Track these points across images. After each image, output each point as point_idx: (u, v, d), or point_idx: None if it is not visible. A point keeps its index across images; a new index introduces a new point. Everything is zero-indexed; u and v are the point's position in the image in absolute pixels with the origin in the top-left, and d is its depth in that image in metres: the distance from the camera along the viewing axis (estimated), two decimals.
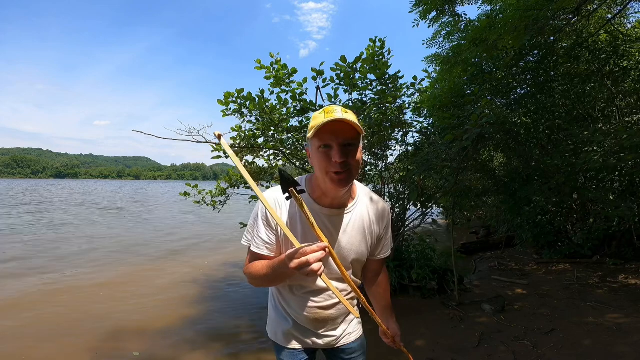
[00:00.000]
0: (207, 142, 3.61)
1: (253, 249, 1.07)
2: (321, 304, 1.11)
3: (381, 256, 1.19)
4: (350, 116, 0.92)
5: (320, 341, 1.16)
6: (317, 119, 0.93)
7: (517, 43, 3.58)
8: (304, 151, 3.99)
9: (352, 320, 1.22)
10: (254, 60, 3.56)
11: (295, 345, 1.17)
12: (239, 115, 3.75)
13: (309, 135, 0.95)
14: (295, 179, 0.99)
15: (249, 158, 4.23)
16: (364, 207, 1.11)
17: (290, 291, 1.13)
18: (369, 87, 3.81)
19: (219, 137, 0.88)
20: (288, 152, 3.97)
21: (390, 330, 1.19)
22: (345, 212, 1.07)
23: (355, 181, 1.11)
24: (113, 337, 3.09)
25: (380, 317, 1.21)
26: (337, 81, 3.67)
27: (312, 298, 1.11)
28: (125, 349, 2.86)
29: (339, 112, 0.90)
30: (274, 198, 1.06)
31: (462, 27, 4.65)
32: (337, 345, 1.19)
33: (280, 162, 4.48)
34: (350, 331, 1.21)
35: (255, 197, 4.24)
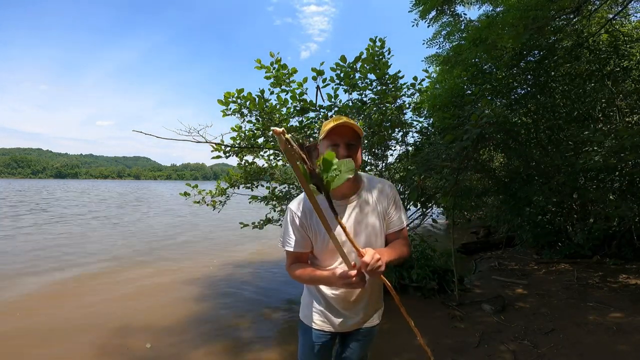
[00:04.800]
0: (207, 142, 3.62)
1: (287, 248, 1.27)
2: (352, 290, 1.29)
3: (395, 228, 1.33)
4: (353, 122, 1.18)
5: (346, 323, 1.36)
6: (328, 124, 1.18)
7: (516, 42, 3.58)
8: None
9: (375, 308, 1.41)
10: (255, 62, 3.56)
11: (323, 327, 1.37)
12: (239, 115, 3.75)
13: (320, 137, 1.21)
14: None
15: (249, 158, 4.23)
16: (369, 191, 1.30)
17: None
18: (369, 87, 3.81)
19: (283, 133, 0.78)
20: None
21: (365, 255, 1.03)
22: (355, 199, 1.27)
23: (361, 173, 1.34)
24: (123, 332, 3.14)
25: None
26: (337, 81, 3.67)
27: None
28: (136, 342, 2.93)
29: (342, 119, 1.17)
30: (302, 204, 1.26)
31: (462, 27, 4.65)
32: (358, 328, 1.39)
33: (280, 162, 4.48)
34: (371, 317, 1.41)
35: (255, 197, 4.25)
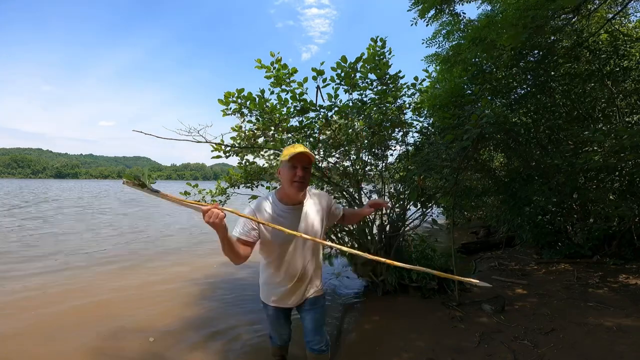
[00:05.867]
0: (207, 142, 3.61)
1: (238, 235, 1.63)
2: (297, 272, 1.78)
3: (339, 213, 1.98)
4: (309, 151, 1.60)
5: (294, 302, 1.86)
6: (290, 150, 1.60)
7: (514, 42, 3.57)
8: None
9: (315, 284, 1.90)
10: (255, 62, 3.55)
11: (279, 304, 1.87)
12: (239, 115, 3.75)
13: (284, 158, 1.61)
14: (267, 195, 1.79)
15: (250, 158, 4.23)
16: (311, 198, 1.82)
17: (277, 270, 1.77)
18: (370, 87, 3.80)
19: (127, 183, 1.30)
20: None
21: (370, 207, 2.00)
22: (302, 206, 1.75)
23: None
24: (123, 331, 3.12)
25: (362, 212, 2.05)
26: (338, 81, 3.66)
27: (290, 271, 1.77)
28: (136, 341, 2.94)
29: (301, 148, 1.59)
30: (254, 208, 1.70)
31: (462, 26, 4.65)
32: (304, 298, 1.88)
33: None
34: (313, 289, 1.89)
35: (255, 197, 4.24)
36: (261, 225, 1.63)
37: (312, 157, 1.63)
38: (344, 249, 1.56)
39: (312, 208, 1.78)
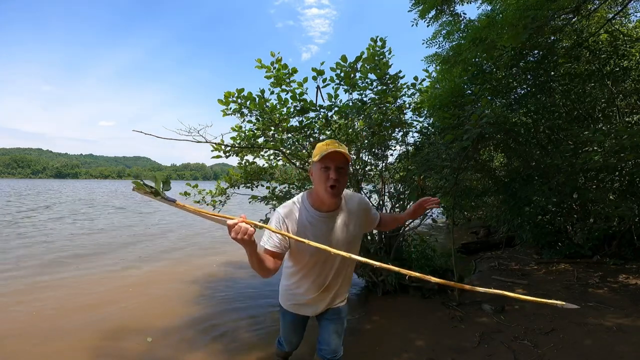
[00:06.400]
0: (207, 142, 3.62)
1: (267, 247, 1.43)
2: (325, 283, 1.61)
3: (376, 219, 1.72)
4: (344, 148, 1.36)
5: (316, 311, 1.72)
6: (322, 148, 1.36)
7: (515, 42, 3.58)
8: (304, 151, 4.00)
9: (342, 295, 1.74)
10: (255, 61, 3.55)
11: (299, 312, 1.74)
12: (239, 115, 3.75)
13: (314, 158, 1.38)
14: (297, 195, 1.57)
15: (249, 158, 4.23)
16: (348, 204, 1.58)
17: (304, 278, 1.60)
18: (370, 87, 3.81)
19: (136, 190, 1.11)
20: (288, 152, 3.97)
21: (418, 208, 1.67)
22: (338, 212, 1.53)
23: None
24: (123, 331, 3.12)
25: (403, 217, 1.84)
26: (338, 81, 3.66)
27: (318, 282, 1.59)
28: (136, 340, 2.93)
29: (334, 146, 1.34)
30: (282, 215, 1.48)
31: (462, 26, 4.65)
32: (327, 308, 1.73)
33: (280, 162, 4.48)
34: (339, 299, 1.74)
35: (255, 197, 4.25)
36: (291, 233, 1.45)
37: (348, 156, 1.37)
38: (385, 266, 1.17)
39: (349, 215, 1.55)
